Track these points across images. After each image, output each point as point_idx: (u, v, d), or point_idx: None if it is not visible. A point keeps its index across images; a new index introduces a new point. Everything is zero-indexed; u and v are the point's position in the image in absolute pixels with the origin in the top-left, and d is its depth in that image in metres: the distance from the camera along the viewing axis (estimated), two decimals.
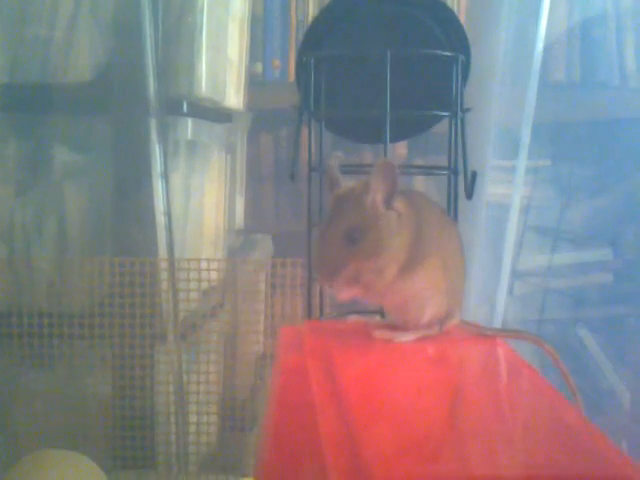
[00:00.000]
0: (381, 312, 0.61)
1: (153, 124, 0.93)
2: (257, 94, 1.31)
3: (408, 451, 0.36)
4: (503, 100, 1.08)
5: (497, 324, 1.09)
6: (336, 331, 0.59)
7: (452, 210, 0.65)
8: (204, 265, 0.94)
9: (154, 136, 0.93)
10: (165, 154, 0.95)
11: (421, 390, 0.47)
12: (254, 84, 1.33)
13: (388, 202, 0.53)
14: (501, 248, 1.09)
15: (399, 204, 0.54)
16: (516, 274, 1.29)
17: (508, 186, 1.12)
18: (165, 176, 0.93)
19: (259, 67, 1.40)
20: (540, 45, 1.06)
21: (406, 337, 0.56)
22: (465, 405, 0.45)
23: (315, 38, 0.67)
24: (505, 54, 1.07)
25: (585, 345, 1.33)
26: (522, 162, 1.07)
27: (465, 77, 0.67)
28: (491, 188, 1.11)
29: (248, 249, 1.33)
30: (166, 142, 0.99)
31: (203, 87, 1.03)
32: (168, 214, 0.91)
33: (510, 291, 1.22)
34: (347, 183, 0.55)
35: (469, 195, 0.62)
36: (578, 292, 1.35)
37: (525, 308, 1.32)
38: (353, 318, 0.60)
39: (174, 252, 0.94)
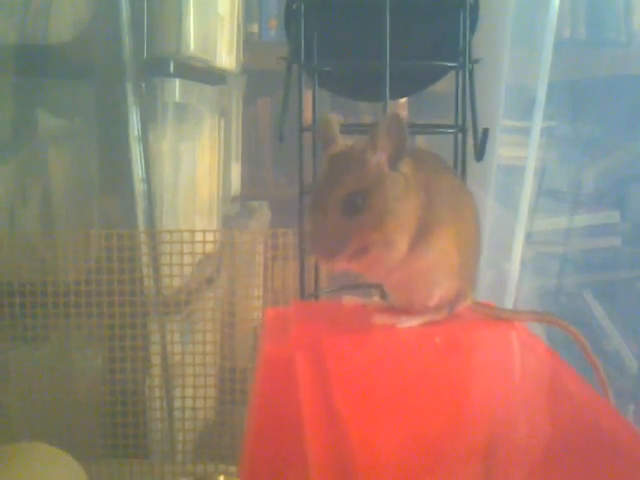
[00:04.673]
0: (382, 288, 0.55)
1: (129, 86, 0.88)
2: (254, 55, 1.27)
3: (405, 461, 0.31)
4: (512, 57, 1.02)
5: (509, 291, 1.03)
6: (328, 314, 0.52)
7: (459, 173, 0.59)
8: (199, 237, 0.88)
9: (130, 99, 0.87)
10: (144, 117, 0.90)
11: (425, 386, 0.40)
12: (250, 45, 1.29)
13: (394, 163, 0.46)
14: (512, 212, 1.03)
15: (406, 166, 0.47)
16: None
17: (516, 148, 1.07)
18: (143, 141, 0.87)
19: (255, 27, 1.38)
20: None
21: (411, 322, 0.49)
22: (478, 406, 0.38)
23: None
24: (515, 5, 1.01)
25: (591, 309, 1.30)
26: (537, 123, 1.00)
27: (474, 24, 0.60)
28: (499, 150, 1.06)
29: (245, 217, 1.30)
30: (154, 105, 0.95)
31: (191, 46, 0.98)
32: (148, 181, 0.86)
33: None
34: (345, 142, 0.48)
35: (480, 156, 0.56)
36: (585, 256, 1.31)
37: (534, 273, 1.28)
38: (349, 300, 0.54)
39: (154, 221, 0.90)
